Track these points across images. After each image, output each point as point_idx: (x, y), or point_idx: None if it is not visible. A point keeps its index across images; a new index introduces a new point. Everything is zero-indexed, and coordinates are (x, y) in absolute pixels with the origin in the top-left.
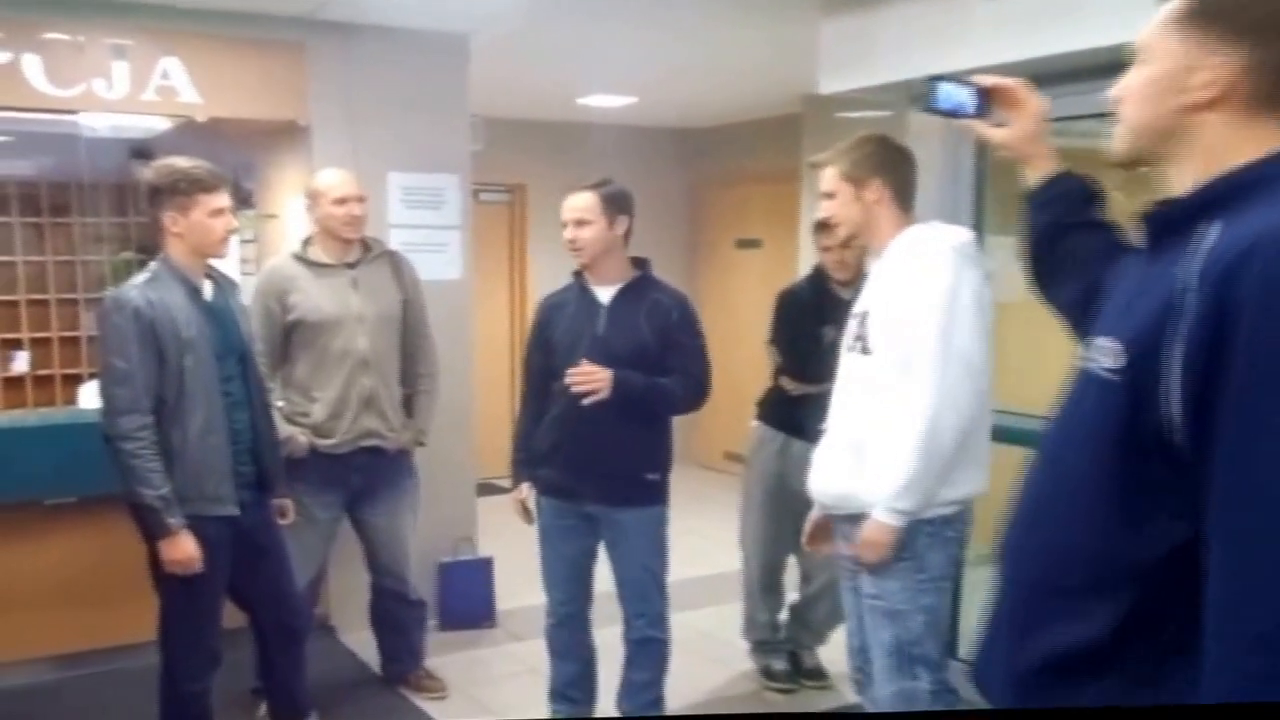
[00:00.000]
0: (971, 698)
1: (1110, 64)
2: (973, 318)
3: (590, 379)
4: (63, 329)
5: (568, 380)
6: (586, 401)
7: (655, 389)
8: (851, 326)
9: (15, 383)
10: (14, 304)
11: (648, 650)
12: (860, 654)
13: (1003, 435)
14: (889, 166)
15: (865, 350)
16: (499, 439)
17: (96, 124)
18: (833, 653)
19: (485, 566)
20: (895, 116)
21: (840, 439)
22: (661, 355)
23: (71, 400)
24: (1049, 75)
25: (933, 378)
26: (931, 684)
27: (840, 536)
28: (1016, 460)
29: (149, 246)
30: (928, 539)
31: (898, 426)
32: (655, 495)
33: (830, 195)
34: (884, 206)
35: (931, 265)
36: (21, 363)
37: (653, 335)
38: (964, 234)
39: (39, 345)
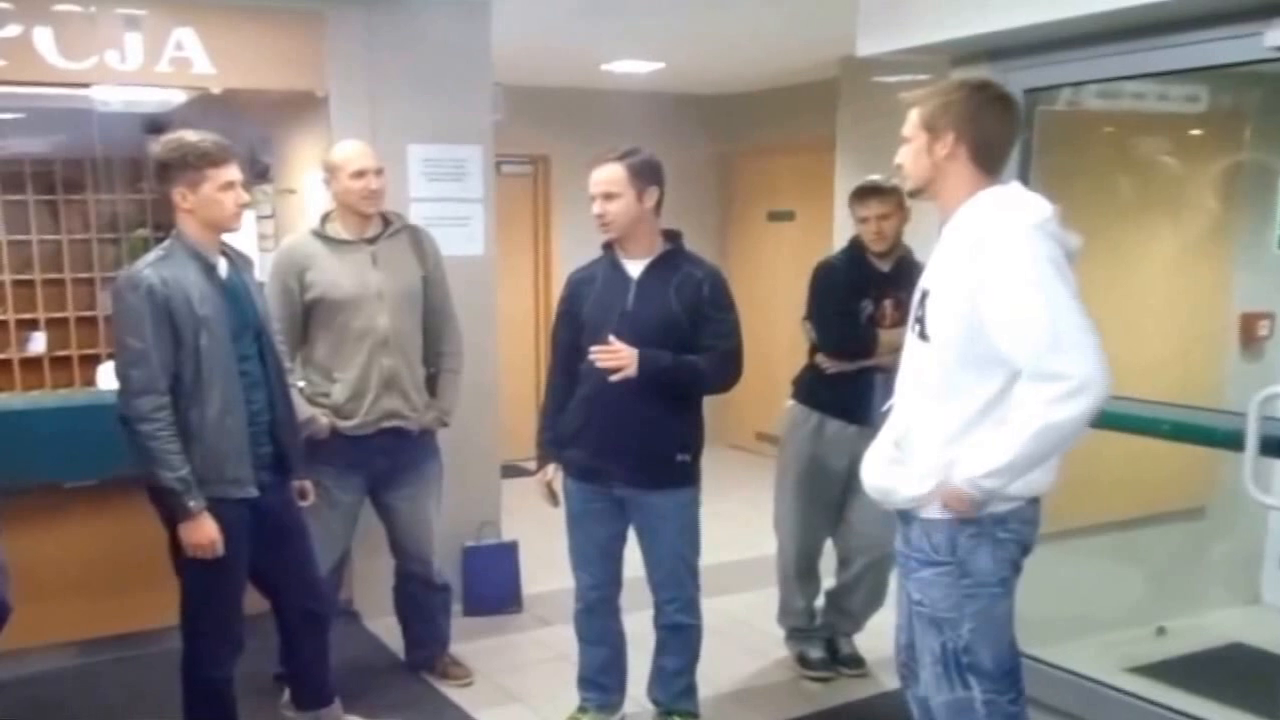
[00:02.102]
0: (1036, 695)
1: (1156, 21)
2: (1065, 292)
3: (615, 356)
4: (79, 309)
5: (591, 357)
6: (613, 379)
7: (683, 367)
8: (913, 303)
9: (32, 364)
10: (29, 283)
11: (679, 637)
12: (907, 649)
13: None
14: (971, 120)
15: (923, 335)
16: (523, 419)
17: (110, 98)
18: (870, 640)
19: (511, 550)
20: (935, 80)
21: (890, 427)
22: (693, 331)
23: (90, 381)
24: (1093, 35)
25: (1062, 363)
26: (985, 694)
27: (897, 530)
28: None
29: (165, 224)
30: (971, 541)
31: (1023, 406)
32: (686, 477)
33: (906, 140)
34: (956, 164)
35: (1009, 248)
36: (38, 343)
37: (683, 310)
38: (1045, 207)
39: (56, 325)
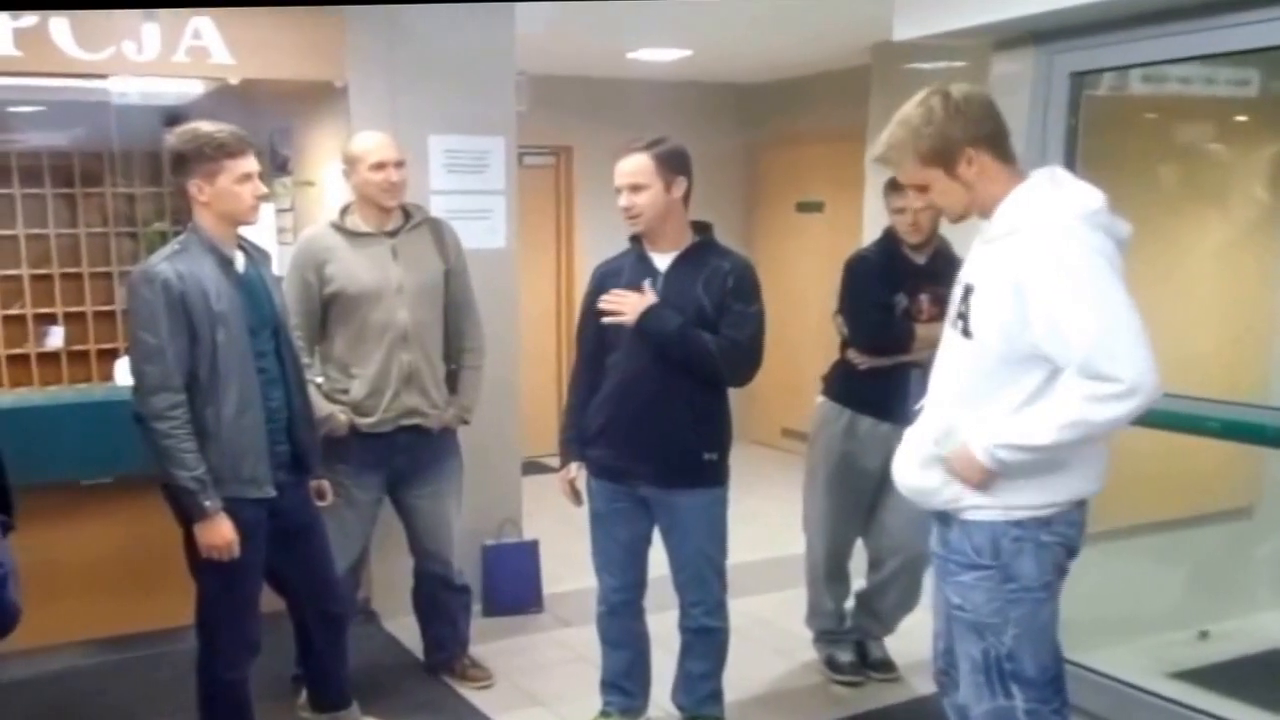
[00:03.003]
0: (1075, 700)
1: (1209, 1)
2: (1119, 290)
3: (619, 303)
4: (97, 303)
5: (601, 304)
6: (605, 320)
7: (692, 337)
8: (955, 298)
9: (50, 359)
10: (48, 278)
11: (706, 640)
12: (945, 655)
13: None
14: (973, 124)
15: (967, 332)
16: (544, 415)
17: (128, 90)
18: (901, 643)
19: (531, 549)
20: (972, 66)
21: (927, 424)
22: (720, 325)
23: (107, 376)
24: (1145, 15)
25: (1115, 365)
26: (1028, 703)
27: (934, 531)
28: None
29: (183, 217)
30: (1014, 544)
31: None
32: (714, 476)
33: (922, 188)
34: (987, 172)
35: (1058, 245)
36: (56, 338)
37: (711, 304)
38: (1094, 197)
39: (73, 320)
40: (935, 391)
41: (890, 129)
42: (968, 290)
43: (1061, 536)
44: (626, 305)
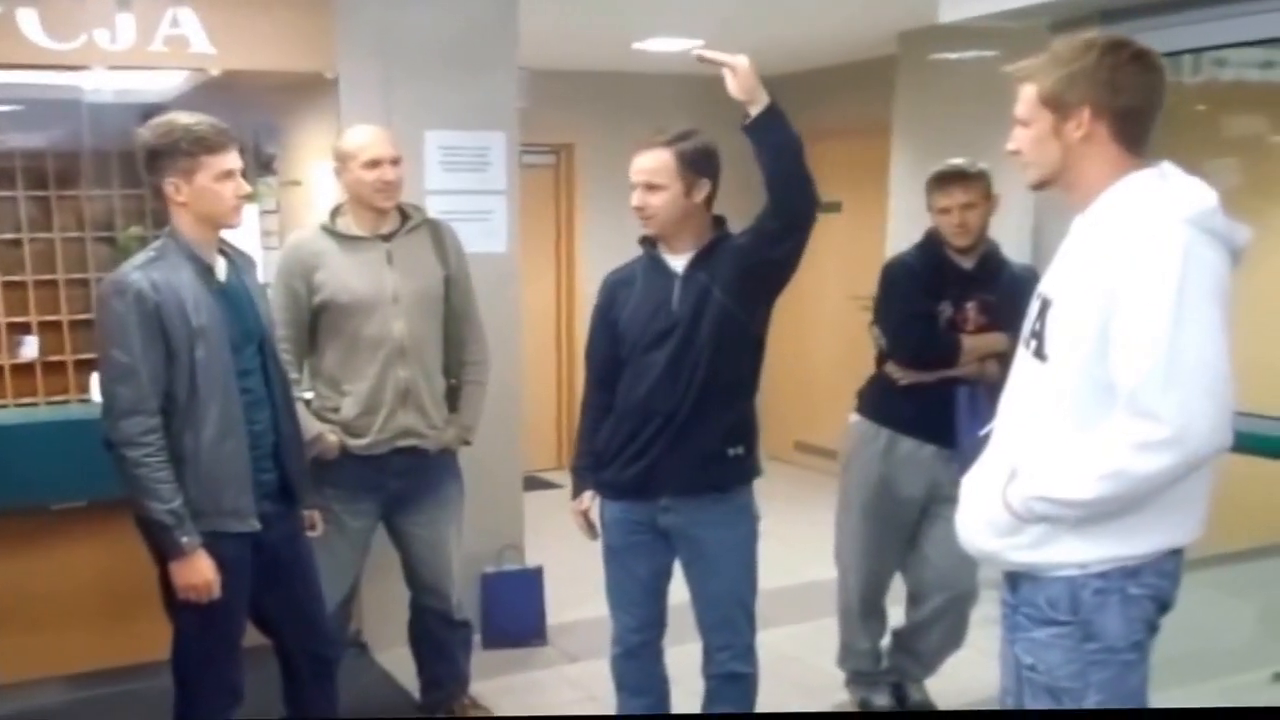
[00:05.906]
0: None
1: None
2: (1208, 317)
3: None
4: (73, 312)
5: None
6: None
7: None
8: (1030, 314)
9: (25, 370)
10: (21, 285)
11: (733, 687)
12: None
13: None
14: (1110, 88)
15: (1040, 354)
16: (544, 427)
17: (104, 85)
18: (942, 683)
19: (534, 577)
20: (1011, 56)
21: (994, 466)
22: (748, 316)
23: (85, 388)
24: None
25: (1163, 405)
26: None
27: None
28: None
29: (164, 221)
30: (1097, 597)
31: (1111, 442)
32: (740, 474)
33: (1024, 123)
34: (1094, 146)
35: (1152, 250)
36: (30, 348)
37: (732, 283)
38: (1205, 197)
39: (49, 329)
40: (1002, 426)
41: (1044, 53)
42: (1045, 305)
43: (1152, 589)
44: (741, 64)
